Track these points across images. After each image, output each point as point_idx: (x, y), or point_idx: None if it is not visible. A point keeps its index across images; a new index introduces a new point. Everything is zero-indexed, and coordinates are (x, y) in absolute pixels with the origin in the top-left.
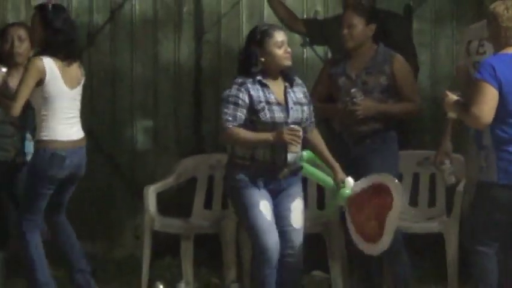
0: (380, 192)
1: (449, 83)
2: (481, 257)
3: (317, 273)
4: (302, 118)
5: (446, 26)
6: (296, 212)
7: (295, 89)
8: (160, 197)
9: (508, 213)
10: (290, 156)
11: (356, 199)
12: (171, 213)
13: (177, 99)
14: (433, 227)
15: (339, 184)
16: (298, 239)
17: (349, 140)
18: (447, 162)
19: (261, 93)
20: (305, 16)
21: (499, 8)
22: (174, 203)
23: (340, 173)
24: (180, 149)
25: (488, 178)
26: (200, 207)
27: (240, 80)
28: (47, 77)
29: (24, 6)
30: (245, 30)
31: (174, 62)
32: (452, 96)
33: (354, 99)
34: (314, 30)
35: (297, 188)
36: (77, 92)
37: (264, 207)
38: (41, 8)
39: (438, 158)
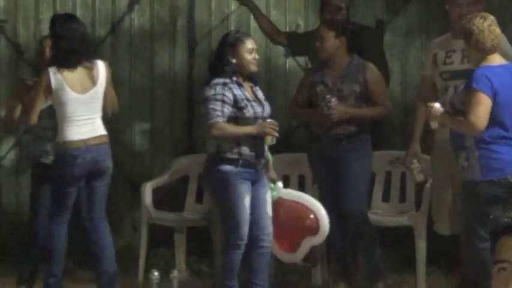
0: (306, 212)
1: (418, 90)
2: (481, 253)
3: (299, 262)
4: (269, 112)
5: (415, 38)
6: (269, 201)
7: (257, 88)
8: (156, 192)
9: (497, 206)
10: (265, 148)
11: (282, 205)
12: (166, 208)
13: (171, 105)
14: (403, 220)
15: (268, 181)
16: (270, 226)
17: (326, 142)
18: (415, 161)
19: (240, 92)
20: (287, 29)
21: (475, 20)
22: (169, 198)
23: (273, 172)
24: (174, 149)
25: (473, 177)
26: (192, 202)
27: (221, 81)
28: (54, 86)
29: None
30: None
31: (169, 70)
32: (439, 109)
33: (329, 104)
34: (295, 43)
35: (264, 179)
36: (90, 95)
37: (247, 201)
38: (53, 17)
39: (408, 158)
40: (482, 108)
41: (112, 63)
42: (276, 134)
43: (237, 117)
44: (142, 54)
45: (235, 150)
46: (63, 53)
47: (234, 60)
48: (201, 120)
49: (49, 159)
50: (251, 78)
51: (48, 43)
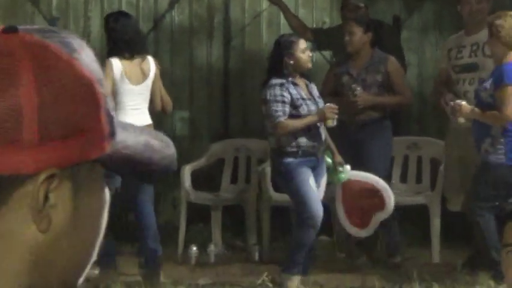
0: (372, 190)
1: (434, 82)
2: (483, 221)
3: (323, 237)
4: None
5: (430, 34)
6: (323, 186)
7: (312, 85)
8: (194, 174)
9: (507, 189)
10: (323, 136)
11: (350, 186)
12: (203, 188)
13: (208, 94)
14: (419, 199)
15: (336, 165)
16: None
17: (351, 127)
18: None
19: (296, 91)
20: (314, 26)
21: (504, 17)
22: (206, 179)
23: (338, 156)
24: (210, 135)
25: (496, 159)
26: (227, 182)
27: (278, 81)
28: (115, 76)
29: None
30: (265, 37)
31: (206, 63)
32: (467, 106)
33: (355, 92)
34: (320, 38)
35: (323, 166)
36: (141, 87)
37: (312, 182)
38: (107, 15)
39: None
40: None
41: (154, 57)
42: (336, 116)
43: (294, 115)
44: (182, 48)
45: (294, 143)
46: (119, 44)
47: (291, 62)
48: (266, 120)
49: None
50: (305, 75)
51: None
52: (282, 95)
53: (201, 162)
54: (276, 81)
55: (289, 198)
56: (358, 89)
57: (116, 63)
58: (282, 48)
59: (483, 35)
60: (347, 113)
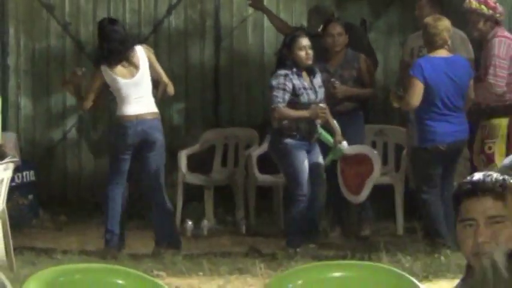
0: (364, 159)
1: (397, 76)
2: (427, 202)
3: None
4: (323, 97)
5: (394, 36)
6: (322, 163)
7: (317, 76)
8: (189, 158)
9: (434, 167)
10: (318, 126)
11: (347, 159)
12: (197, 170)
13: (201, 89)
14: (386, 179)
15: (336, 143)
16: (325, 184)
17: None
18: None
19: (298, 82)
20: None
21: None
22: (199, 163)
23: (339, 136)
24: (203, 124)
25: (413, 144)
26: (218, 165)
27: (283, 72)
28: (107, 80)
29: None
30: (250, 39)
31: (199, 62)
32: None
33: (334, 85)
34: None
35: (318, 149)
36: (137, 78)
37: (306, 165)
38: (99, 23)
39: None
40: (414, 90)
41: (155, 56)
42: (325, 117)
43: (295, 102)
44: (178, 49)
45: (294, 126)
46: (107, 53)
47: (291, 57)
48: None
49: None
50: (310, 69)
51: None
52: (284, 84)
53: (195, 148)
54: (281, 71)
55: (283, 174)
56: (337, 82)
57: (104, 69)
58: (285, 44)
59: None
60: (327, 104)
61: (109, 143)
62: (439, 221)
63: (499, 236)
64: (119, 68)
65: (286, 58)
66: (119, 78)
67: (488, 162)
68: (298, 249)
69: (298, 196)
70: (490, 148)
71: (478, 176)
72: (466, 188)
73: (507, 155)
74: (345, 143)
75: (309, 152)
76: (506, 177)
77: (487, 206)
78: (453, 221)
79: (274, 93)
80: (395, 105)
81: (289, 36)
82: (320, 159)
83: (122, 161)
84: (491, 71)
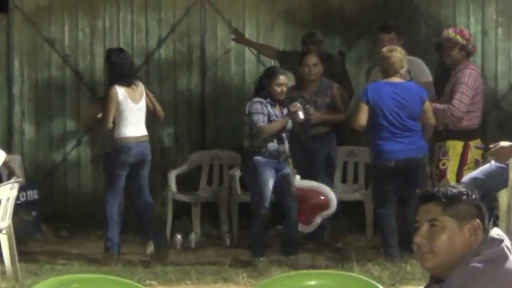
0: (319, 195)
1: None
2: (381, 216)
3: (280, 228)
4: (291, 125)
5: (364, 65)
6: (293, 182)
7: (286, 108)
8: (178, 178)
9: (385, 183)
10: (286, 146)
11: (299, 192)
12: (185, 189)
13: (189, 114)
14: (356, 196)
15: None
16: (296, 201)
17: (305, 140)
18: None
19: (271, 110)
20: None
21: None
22: (187, 182)
23: (293, 169)
24: (191, 146)
25: (369, 161)
26: (204, 184)
27: (259, 100)
28: (120, 98)
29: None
30: (233, 69)
31: (187, 89)
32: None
33: (309, 112)
34: (282, 58)
35: (288, 168)
36: (140, 105)
37: (271, 183)
38: (108, 50)
39: None
40: (359, 111)
41: (146, 85)
42: (300, 109)
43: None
44: (167, 78)
45: (263, 145)
46: (118, 75)
47: (268, 89)
48: (244, 128)
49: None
50: (281, 102)
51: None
52: (262, 109)
53: (183, 168)
54: (257, 99)
55: (249, 189)
56: (312, 109)
57: (119, 88)
58: (265, 76)
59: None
60: (301, 128)
61: (108, 162)
62: (390, 234)
63: (434, 239)
64: (130, 91)
65: (263, 88)
66: (128, 99)
67: (441, 177)
68: (261, 259)
69: (260, 210)
70: (443, 164)
71: (434, 188)
72: (419, 195)
73: (458, 173)
74: (297, 177)
75: (278, 170)
76: (454, 189)
77: (428, 210)
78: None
79: (255, 117)
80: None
81: (271, 70)
82: (289, 177)
83: (120, 178)
84: (457, 96)
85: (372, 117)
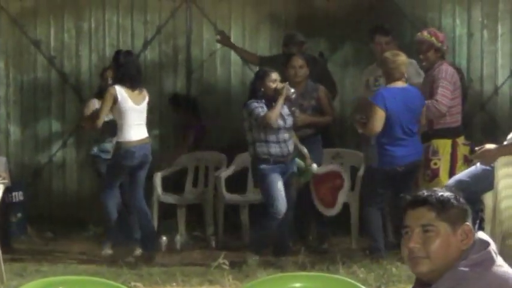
0: (334, 176)
1: (353, 107)
2: (371, 214)
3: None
4: (292, 124)
5: (349, 68)
6: (293, 185)
7: (285, 107)
8: (164, 180)
9: (385, 186)
10: (290, 147)
11: (318, 178)
12: (171, 190)
13: (174, 116)
14: None
15: (307, 165)
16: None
17: None
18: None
19: (265, 109)
20: None
21: (387, 55)
22: (173, 184)
23: (309, 159)
24: (176, 149)
25: (372, 164)
26: (190, 186)
27: (255, 101)
28: (119, 98)
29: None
30: (219, 71)
31: (172, 91)
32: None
33: (295, 114)
34: (265, 63)
35: (293, 168)
36: (141, 107)
37: (280, 185)
38: (115, 53)
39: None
40: (376, 117)
41: None
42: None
43: (265, 127)
44: (153, 79)
45: (266, 152)
46: (124, 76)
47: (262, 89)
48: (247, 133)
49: (108, 156)
50: (275, 100)
51: (109, 74)
52: (260, 106)
53: (168, 170)
54: (254, 102)
55: (261, 195)
56: (297, 111)
57: (119, 89)
58: (258, 78)
59: None
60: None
61: (110, 164)
62: (378, 230)
63: (429, 244)
64: (132, 93)
65: (257, 90)
66: (129, 99)
67: (434, 177)
68: (254, 258)
69: (273, 214)
70: (435, 164)
71: (421, 191)
72: (407, 200)
73: (450, 172)
74: (314, 165)
75: (285, 172)
76: (446, 193)
77: (421, 215)
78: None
79: (256, 111)
80: (360, 131)
81: (262, 70)
82: (292, 179)
83: (120, 179)
84: (439, 90)
85: (384, 122)
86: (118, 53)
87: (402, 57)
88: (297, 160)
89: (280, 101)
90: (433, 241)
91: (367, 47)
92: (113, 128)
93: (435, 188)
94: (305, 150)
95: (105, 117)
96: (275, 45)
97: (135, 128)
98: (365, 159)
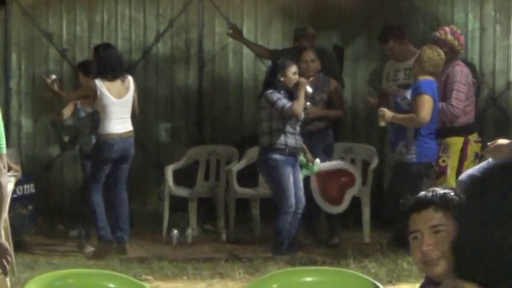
0: (345, 174)
1: (372, 102)
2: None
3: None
4: (303, 117)
5: (361, 62)
6: (301, 179)
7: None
8: (175, 173)
9: (418, 183)
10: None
11: (322, 175)
12: (182, 184)
13: (186, 109)
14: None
15: (309, 161)
16: (303, 198)
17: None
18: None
19: (287, 100)
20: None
21: (425, 47)
22: (184, 177)
23: (309, 155)
24: (188, 141)
25: (410, 159)
26: (201, 179)
27: (276, 92)
28: (99, 93)
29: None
30: (231, 64)
31: (184, 85)
32: (389, 112)
33: (306, 107)
34: (276, 57)
35: (298, 165)
36: (124, 100)
37: (291, 179)
38: (94, 47)
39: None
40: (427, 107)
41: (143, 80)
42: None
43: (285, 118)
44: (165, 73)
45: (283, 142)
46: (105, 69)
47: (282, 79)
48: (263, 121)
49: (89, 149)
50: (291, 92)
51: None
52: (282, 95)
53: (180, 163)
54: (273, 91)
55: (271, 188)
56: (308, 104)
57: (99, 83)
58: (279, 68)
59: (412, 62)
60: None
61: (92, 156)
62: None
63: (443, 244)
64: (112, 86)
65: (276, 80)
66: (109, 95)
67: (441, 174)
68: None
69: (286, 208)
70: (443, 161)
71: (422, 192)
72: (410, 203)
73: (458, 169)
74: (318, 160)
75: (293, 167)
76: (447, 190)
77: (429, 217)
78: None
79: (280, 102)
80: (382, 124)
81: (284, 62)
82: (300, 175)
83: (103, 172)
84: (454, 94)
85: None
86: (97, 47)
87: (435, 53)
88: (301, 156)
89: (302, 93)
90: (446, 240)
91: (377, 42)
92: (95, 121)
93: (434, 188)
94: (304, 146)
95: (87, 110)
96: (287, 38)
97: (117, 121)
98: (393, 154)
